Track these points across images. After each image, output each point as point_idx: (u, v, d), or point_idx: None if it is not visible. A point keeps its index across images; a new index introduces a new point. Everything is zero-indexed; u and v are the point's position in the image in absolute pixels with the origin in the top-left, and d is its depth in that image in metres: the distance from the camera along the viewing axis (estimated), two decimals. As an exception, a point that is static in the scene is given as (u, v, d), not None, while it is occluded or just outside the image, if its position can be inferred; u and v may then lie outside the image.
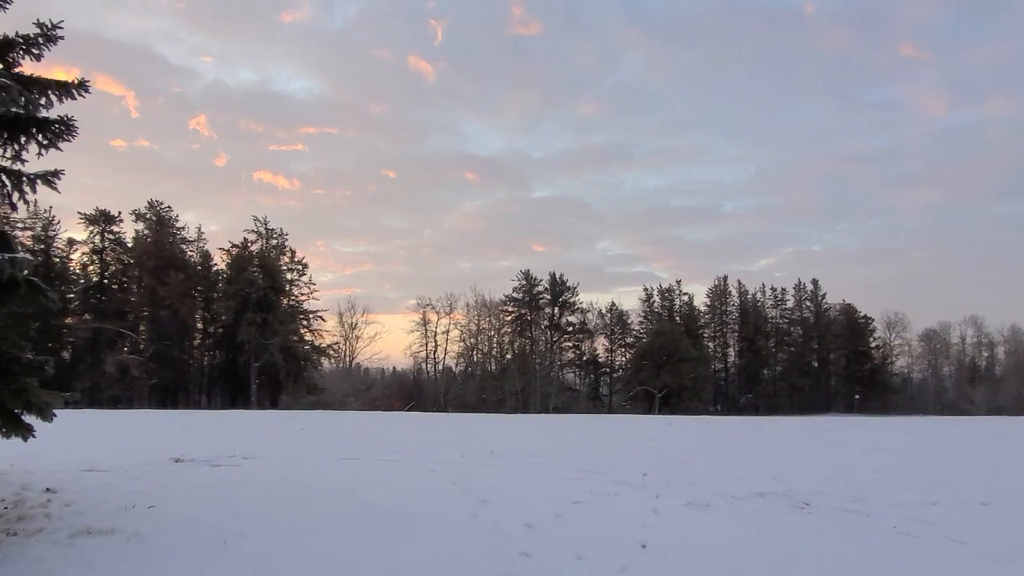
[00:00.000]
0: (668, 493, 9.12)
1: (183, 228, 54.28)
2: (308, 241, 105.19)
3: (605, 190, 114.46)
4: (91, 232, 51.77)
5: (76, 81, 7.18)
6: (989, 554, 6.67)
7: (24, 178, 6.77)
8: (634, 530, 6.97)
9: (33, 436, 6.63)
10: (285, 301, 53.45)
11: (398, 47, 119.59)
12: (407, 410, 49.35)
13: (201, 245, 55.70)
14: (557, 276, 71.31)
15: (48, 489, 7.60)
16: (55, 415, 7.09)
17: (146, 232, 51.40)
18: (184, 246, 54.12)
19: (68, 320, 50.22)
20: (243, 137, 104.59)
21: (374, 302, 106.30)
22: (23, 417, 6.51)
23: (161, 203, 53.21)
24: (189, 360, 56.06)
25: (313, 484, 8.49)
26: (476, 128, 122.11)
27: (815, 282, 73.31)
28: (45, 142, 7.73)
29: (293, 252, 57.29)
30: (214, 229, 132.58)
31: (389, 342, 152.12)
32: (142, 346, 46.21)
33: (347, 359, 61.90)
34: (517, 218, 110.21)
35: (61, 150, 7.88)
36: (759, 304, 73.32)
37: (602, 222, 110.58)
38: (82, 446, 11.65)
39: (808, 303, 73.38)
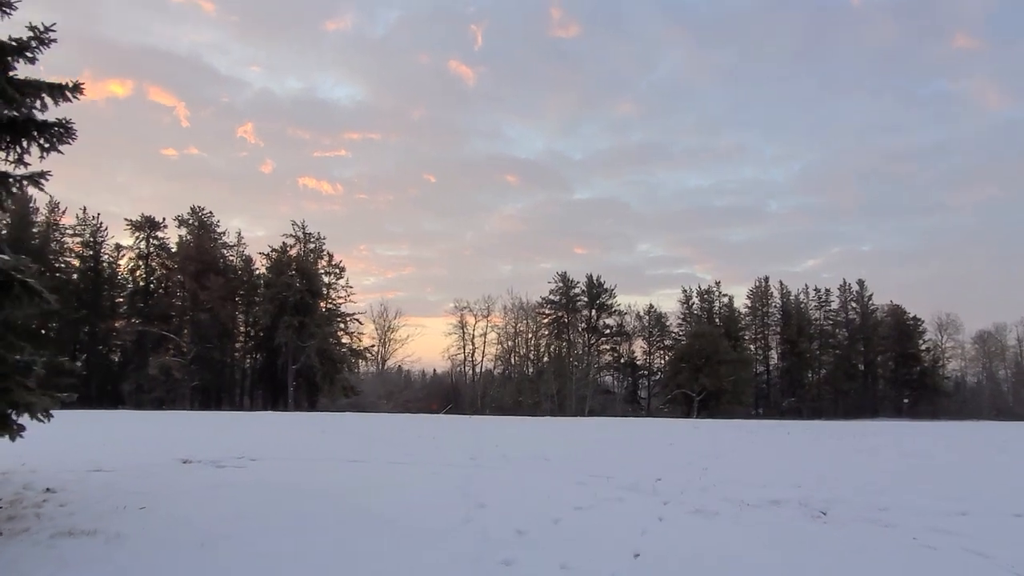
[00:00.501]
0: (677, 499, 8.78)
1: (224, 233, 55.55)
2: (351, 245, 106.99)
3: (645, 191, 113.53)
4: (137, 238, 53.38)
5: (70, 84, 7.23)
6: (1015, 569, 6.19)
7: (10, 180, 6.81)
8: (631, 538, 6.69)
9: (21, 436, 6.67)
10: (323, 304, 54.19)
11: (439, 52, 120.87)
12: (445, 412, 49.47)
13: (241, 250, 56.89)
14: (594, 278, 70.79)
15: (48, 489, 7.68)
16: (50, 415, 7.15)
17: (188, 237, 52.65)
18: (225, 251, 55.31)
19: (116, 324, 51.86)
20: (289, 144, 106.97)
21: (415, 305, 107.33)
22: (14, 417, 6.55)
23: (203, 209, 54.58)
24: (231, 362, 57.23)
25: (310, 487, 8.41)
26: (516, 131, 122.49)
27: (861, 283, 71.24)
28: (47, 145, 7.84)
29: (331, 256, 58.13)
30: (260, 235, 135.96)
31: (429, 345, 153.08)
32: (184, 349, 47.28)
33: (379, 362, 62.34)
34: (557, 220, 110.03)
35: (62, 152, 8.00)
36: (802, 305, 71.48)
37: (642, 223, 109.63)
38: (96, 446, 11.86)
39: (854, 304, 71.24)
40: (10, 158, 7.78)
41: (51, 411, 7.17)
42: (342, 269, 58.26)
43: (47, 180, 7.04)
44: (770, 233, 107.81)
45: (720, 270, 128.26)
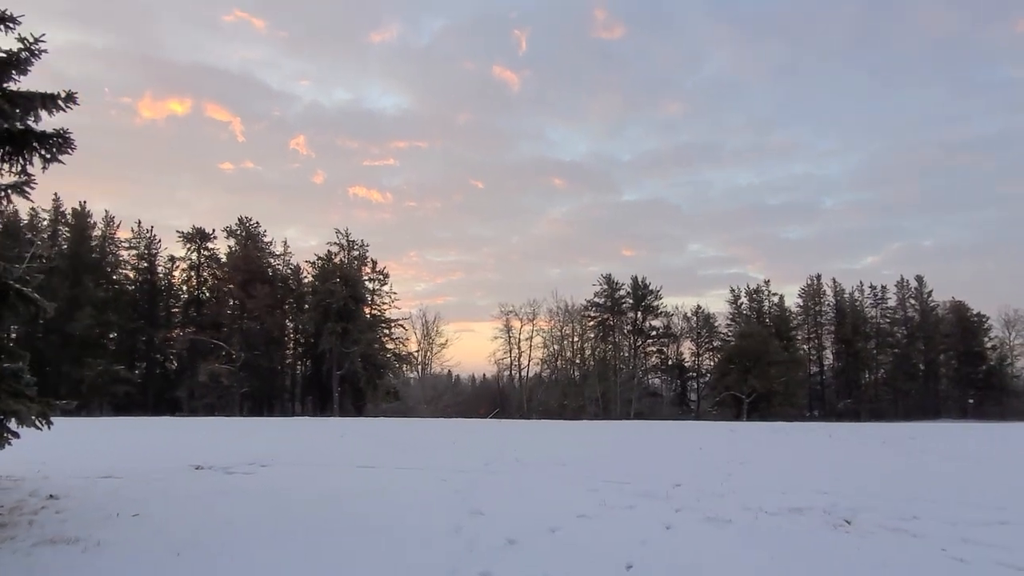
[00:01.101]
0: (692, 507, 8.37)
1: (271, 243, 56.74)
2: (401, 252, 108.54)
3: (694, 190, 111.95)
4: (188, 249, 55.02)
5: (63, 93, 7.31)
6: (1050, 586, 5.63)
7: (-5, 189, 6.90)
8: (628, 548, 6.35)
9: (9, 444, 6.73)
10: (368, 310, 54.84)
11: (483, 58, 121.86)
12: (491, 417, 49.37)
13: (288, 259, 58.03)
14: (639, 280, 69.77)
15: (52, 496, 7.76)
16: (49, 423, 7.20)
17: (236, 248, 53.98)
18: (272, 260, 56.51)
19: (172, 333, 53.47)
20: (339, 154, 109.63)
21: (465, 310, 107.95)
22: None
23: (250, 219, 55.90)
24: (282, 369, 58.42)
25: (310, 493, 8.31)
26: (562, 134, 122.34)
27: (919, 278, 68.23)
28: (48, 156, 7.96)
29: (375, 262, 58.85)
30: (313, 244, 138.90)
31: (478, 349, 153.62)
32: (233, 356, 48.41)
33: (420, 367, 62.67)
34: (605, 222, 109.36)
35: (63, 163, 8.11)
36: (857, 303, 68.92)
37: (692, 224, 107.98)
38: (117, 453, 12.07)
39: (912, 301, 68.34)
40: (14, 169, 7.95)
41: (49, 418, 7.21)
42: (386, 275, 58.97)
43: (32, 188, 7.10)
44: (825, 230, 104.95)
45: (774, 269, 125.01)
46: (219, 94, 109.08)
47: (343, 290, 48.54)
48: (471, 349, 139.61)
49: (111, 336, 50.34)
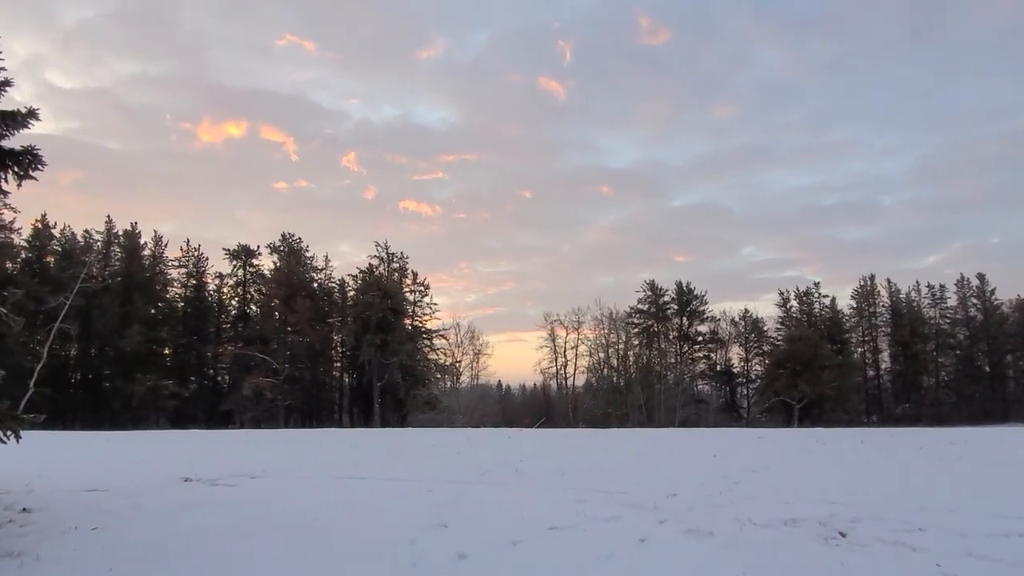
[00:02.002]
0: (678, 518, 7.91)
1: (312, 258, 57.69)
2: (452, 264, 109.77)
3: (747, 193, 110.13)
4: (235, 266, 56.48)
5: (24, 110, 7.41)
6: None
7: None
8: (589, 563, 5.99)
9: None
10: (409, 322, 55.22)
11: (528, 70, 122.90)
12: (537, 426, 48.94)
13: (329, 272, 58.89)
14: (684, 285, 68.47)
15: (25, 509, 7.81)
16: (17, 437, 7.25)
17: (279, 263, 55.11)
18: (314, 274, 57.46)
19: (221, 348, 54.83)
20: (388, 170, 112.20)
21: (515, 320, 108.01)
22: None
23: (293, 235, 56.99)
24: (329, 382, 59.29)
25: (281, 506, 8.18)
26: (609, 141, 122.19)
27: (981, 276, 64.86)
28: (20, 173, 8.09)
29: (415, 274, 59.33)
30: (364, 258, 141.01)
31: (527, 358, 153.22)
32: (277, 369, 49.29)
33: (469, 377, 62.77)
34: (656, 229, 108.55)
35: (36, 179, 8.23)
36: (914, 304, 66.01)
37: (746, 227, 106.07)
38: (114, 466, 12.21)
39: (974, 300, 65.07)
40: (-9, 187, 8.11)
41: (18, 432, 7.26)
42: (427, 287, 59.34)
43: (5, 206, 7.16)
44: (885, 230, 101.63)
45: (831, 271, 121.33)
46: (273, 116, 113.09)
47: (381, 302, 48.97)
48: (521, 359, 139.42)
49: (162, 352, 51.90)
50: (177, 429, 40.83)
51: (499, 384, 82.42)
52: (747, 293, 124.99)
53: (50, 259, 48.86)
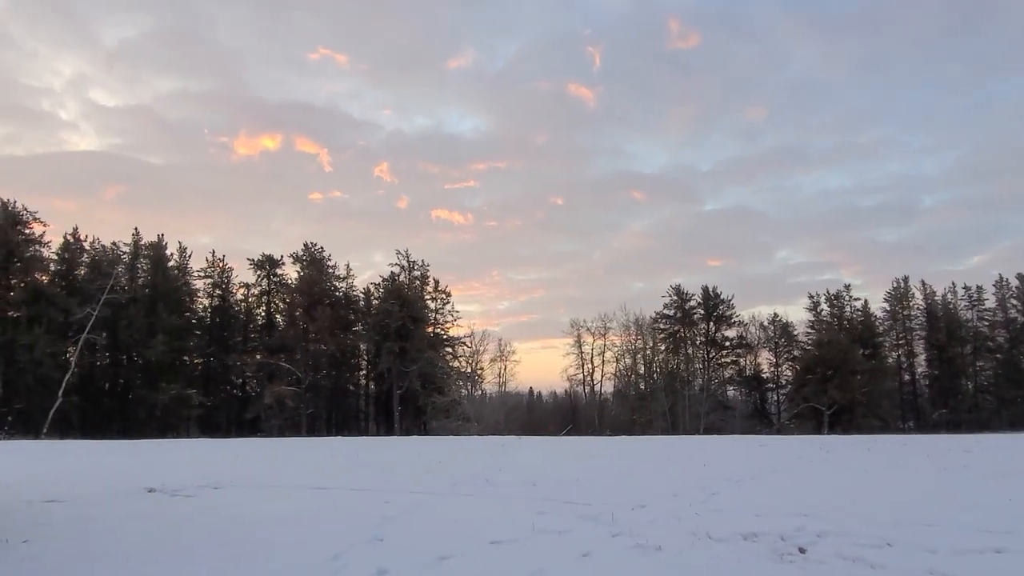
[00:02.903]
0: (633, 532, 7.48)
1: (334, 267, 58.10)
2: (484, 271, 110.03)
3: (781, 196, 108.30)
4: (259, 276, 57.24)
5: None
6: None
7: None
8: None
9: None
10: (430, 329, 55.29)
11: (557, 77, 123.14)
12: (564, 433, 48.47)
13: (351, 281, 59.28)
14: (710, 289, 67.44)
15: (-31, 521, 7.75)
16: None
17: (302, 273, 55.68)
18: (336, 283, 57.88)
19: (245, 357, 55.54)
20: (420, 179, 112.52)
21: (548, 327, 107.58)
22: None
23: (315, 244, 57.50)
24: (350, 389, 59.62)
25: (229, 516, 8.01)
26: (639, 146, 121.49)
27: (1021, 277, 62.52)
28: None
29: (437, 282, 59.50)
30: (397, 268, 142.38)
31: (557, 365, 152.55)
32: (299, 377, 49.69)
33: (476, 384, 62.52)
34: (688, 234, 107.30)
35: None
36: (950, 306, 63.90)
37: (781, 230, 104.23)
38: (85, 474, 12.18)
39: (1014, 301, 62.69)
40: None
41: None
42: (448, 294, 59.48)
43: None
44: (926, 230, 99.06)
45: (870, 274, 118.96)
46: (307, 128, 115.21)
47: (400, 310, 49.10)
48: (553, 365, 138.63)
49: (188, 361, 52.76)
50: (201, 438, 41.37)
51: (531, 391, 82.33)
52: (783, 297, 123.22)
53: (81, 271, 50.07)
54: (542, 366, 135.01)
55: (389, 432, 49.61)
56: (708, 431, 52.14)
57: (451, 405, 46.83)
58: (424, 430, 48.83)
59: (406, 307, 49.44)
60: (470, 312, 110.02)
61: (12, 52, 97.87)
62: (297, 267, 56.50)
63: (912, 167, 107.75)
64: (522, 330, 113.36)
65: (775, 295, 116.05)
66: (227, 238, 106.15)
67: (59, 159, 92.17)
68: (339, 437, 36.09)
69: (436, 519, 8.22)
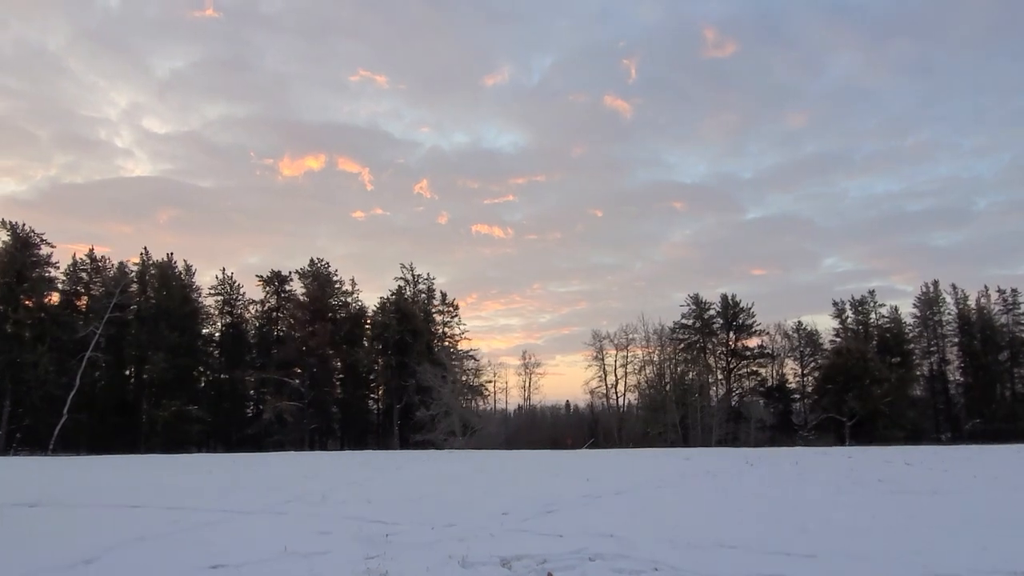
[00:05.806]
0: (393, 554, 6.54)
1: (339, 283, 57.92)
2: (525, 285, 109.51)
3: (826, 202, 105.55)
4: (267, 292, 57.51)
5: None
6: None
7: None
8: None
9: None
10: (436, 343, 54.66)
11: (594, 90, 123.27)
12: (586, 447, 47.24)
13: (356, 296, 59.02)
14: (729, 297, 65.37)
15: None
16: None
17: (307, 289, 55.72)
18: (343, 298, 57.71)
19: (247, 373, 55.67)
20: (460, 195, 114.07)
21: (590, 339, 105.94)
22: None
23: (321, 260, 57.45)
24: (354, 403, 59.17)
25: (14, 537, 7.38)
26: (678, 156, 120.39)
27: (1060, 278, 58.93)
28: None
29: (444, 295, 59.02)
30: (441, 281, 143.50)
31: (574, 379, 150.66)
32: (302, 392, 49.53)
33: (482, 398, 61.58)
34: (730, 243, 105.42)
35: None
36: (985, 311, 60.58)
37: (827, 237, 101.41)
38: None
39: (1053, 305, 59.14)
40: None
41: None
42: (456, 308, 58.88)
43: None
44: (980, 234, 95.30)
45: (921, 280, 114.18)
46: (349, 148, 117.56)
47: (399, 324, 48.63)
48: (579, 378, 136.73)
49: (193, 378, 53.13)
50: (199, 453, 41.36)
51: (567, 404, 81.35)
52: (830, 306, 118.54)
53: (90, 290, 51.07)
54: (579, 379, 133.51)
55: (386, 447, 48.99)
56: (721, 443, 50.21)
57: (439, 418, 45.75)
58: (423, 444, 48.01)
59: (405, 321, 48.94)
60: (512, 326, 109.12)
61: (72, 85, 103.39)
62: (303, 283, 56.56)
63: (964, 169, 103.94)
64: (564, 343, 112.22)
65: (823, 304, 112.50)
66: (273, 257, 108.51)
67: (116, 185, 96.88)
68: (250, 454, 34.77)
69: (199, 539, 7.44)
